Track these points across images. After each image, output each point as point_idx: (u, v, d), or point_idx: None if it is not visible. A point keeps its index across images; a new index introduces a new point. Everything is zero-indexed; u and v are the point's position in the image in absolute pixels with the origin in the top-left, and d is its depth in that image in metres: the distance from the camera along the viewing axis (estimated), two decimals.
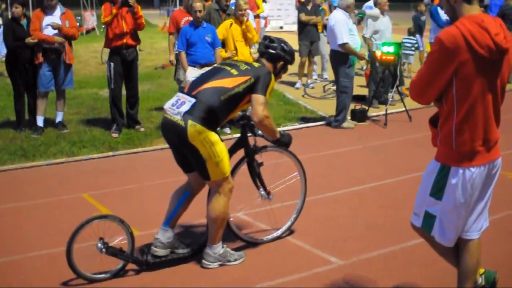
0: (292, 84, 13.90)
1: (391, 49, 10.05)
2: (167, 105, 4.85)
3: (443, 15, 12.38)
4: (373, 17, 10.70)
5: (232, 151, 5.11)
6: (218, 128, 4.82)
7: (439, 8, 12.46)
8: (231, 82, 4.77)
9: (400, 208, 6.21)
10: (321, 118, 10.68)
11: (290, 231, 5.60)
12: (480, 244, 3.88)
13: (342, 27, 9.57)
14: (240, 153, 5.24)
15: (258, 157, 5.30)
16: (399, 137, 9.46)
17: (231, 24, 9.58)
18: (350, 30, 9.72)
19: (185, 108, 4.66)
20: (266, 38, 5.21)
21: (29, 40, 8.97)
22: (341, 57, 9.74)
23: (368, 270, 4.88)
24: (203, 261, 4.95)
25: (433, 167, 3.74)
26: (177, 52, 9.38)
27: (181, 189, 5.08)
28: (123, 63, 9.31)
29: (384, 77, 10.80)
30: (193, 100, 4.68)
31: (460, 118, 3.54)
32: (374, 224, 5.87)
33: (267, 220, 5.72)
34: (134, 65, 9.52)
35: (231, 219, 5.26)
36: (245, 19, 9.63)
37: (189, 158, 4.79)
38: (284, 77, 13.30)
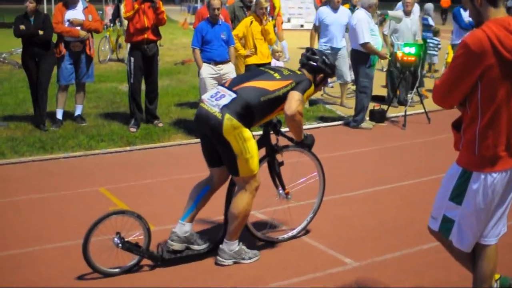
0: None
1: (412, 50, 9.98)
2: (205, 96, 4.89)
3: (465, 17, 12.26)
4: (396, 18, 10.63)
5: None
6: None
7: (461, 10, 12.34)
8: (273, 85, 4.81)
9: (417, 210, 6.17)
10: (340, 118, 10.64)
11: (305, 231, 5.58)
12: (497, 250, 3.84)
13: (364, 26, 9.52)
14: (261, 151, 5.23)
15: (279, 157, 5.30)
16: (417, 139, 9.39)
17: (251, 21, 9.57)
18: (371, 30, 9.66)
19: (224, 101, 4.68)
20: (308, 49, 5.29)
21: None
22: (362, 57, 9.70)
23: (383, 272, 4.85)
24: (218, 257, 4.95)
25: (454, 171, 3.68)
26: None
27: (202, 184, 5.08)
28: (144, 58, 9.33)
29: (405, 77, 10.72)
30: (234, 95, 4.71)
31: (484, 123, 3.50)
32: (390, 225, 5.84)
33: (283, 219, 5.73)
34: (155, 60, 9.53)
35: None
36: (266, 17, 9.62)
37: (220, 152, 4.80)
38: None
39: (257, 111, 4.75)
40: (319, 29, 11.24)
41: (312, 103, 11.57)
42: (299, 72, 5.10)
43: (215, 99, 4.75)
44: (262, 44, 9.66)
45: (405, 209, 6.30)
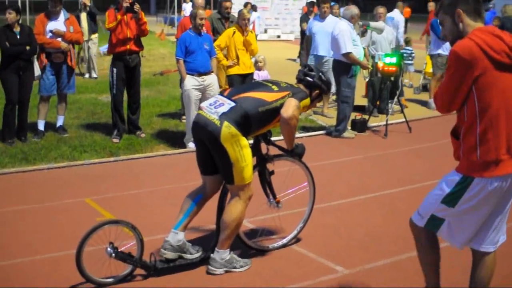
0: None
1: (393, 60, 10.10)
2: (204, 104, 4.96)
3: None
4: (378, 29, 10.76)
5: None
6: None
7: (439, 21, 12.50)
8: (271, 96, 4.92)
9: (402, 219, 6.17)
10: (321, 128, 10.71)
11: (295, 240, 5.61)
12: (495, 258, 3.89)
13: (346, 37, 9.62)
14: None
15: (270, 166, 5.34)
16: (399, 148, 9.49)
17: (234, 32, 9.61)
18: (353, 41, 9.77)
19: (223, 109, 4.75)
20: (305, 66, 5.46)
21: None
22: (344, 67, 9.79)
23: (374, 279, 4.90)
24: (209, 266, 4.96)
25: (452, 178, 3.71)
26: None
27: (195, 192, 5.10)
28: (126, 68, 9.33)
29: (385, 87, 10.84)
30: (233, 104, 4.79)
31: (484, 127, 3.55)
32: (378, 233, 5.89)
33: (273, 228, 5.76)
34: (137, 71, 9.54)
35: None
36: (248, 28, 9.68)
37: (215, 159, 4.84)
38: None
39: (254, 120, 4.82)
40: (309, 39, 11.47)
41: None
42: (296, 85, 5.23)
43: (214, 107, 4.81)
44: (245, 55, 9.70)
45: (390, 217, 6.36)
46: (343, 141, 9.87)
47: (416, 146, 9.51)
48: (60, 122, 9.71)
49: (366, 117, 10.75)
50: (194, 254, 5.05)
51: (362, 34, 10.42)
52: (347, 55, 9.64)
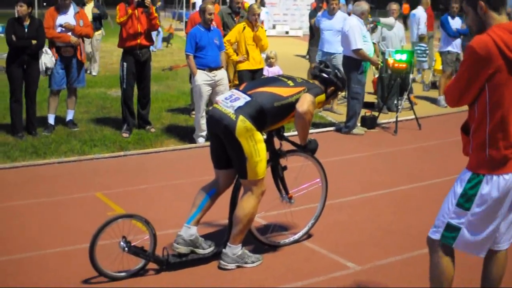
0: None
1: (403, 57, 10.07)
2: (219, 98, 4.97)
3: (453, 25, 12.40)
4: (388, 26, 10.73)
5: None
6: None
7: (449, 18, 12.47)
8: (287, 91, 4.92)
9: (413, 216, 6.23)
10: (331, 124, 10.69)
11: (307, 236, 5.61)
12: (507, 255, 3.87)
13: (356, 33, 9.60)
14: None
15: (283, 161, 5.34)
16: (409, 144, 9.47)
17: (244, 27, 9.60)
18: (364, 37, 9.75)
19: (238, 103, 4.76)
20: (321, 62, 5.43)
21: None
22: (354, 63, 9.77)
23: (385, 275, 4.89)
24: (221, 261, 4.96)
25: (463, 177, 3.68)
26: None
27: (207, 187, 5.09)
28: (136, 63, 9.33)
29: (395, 84, 10.81)
30: (248, 98, 4.80)
31: (494, 125, 3.53)
32: (388, 230, 5.88)
33: (285, 224, 5.77)
34: (147, 65, 9.56)
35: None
36: (259, 23, 9.66)
37: (230, 153, 4.84)
38: None
39: (270, 115, 4.82)
40: (316, 31, 11.49)
41: None
42: (312, 81, 5.22)
43: (230, 101, 4.82)
44: (254, 50, 9.69)
45: (401, 214, 6.35)
46: (353, 137, 9.86)
47: (426, 143, 9.48)
48: (70, 116, 9.73)
49: (376, 113, 10.72)
50: (207, 249, 5.05)
51: (372, 30, 10.39)
52: (357, 51, 9.62)
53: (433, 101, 13.04)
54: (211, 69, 8.83)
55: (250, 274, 4.89)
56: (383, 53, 11.45)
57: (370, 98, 12.32)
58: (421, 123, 10.42)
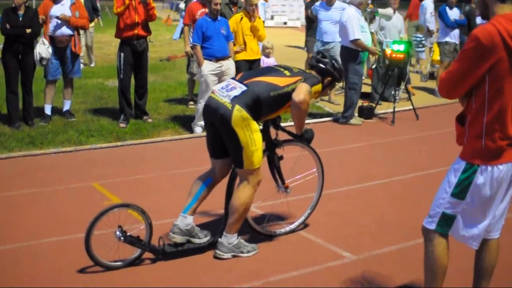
0: None
1: (401, 47, 10.05)
2: (216, 87, 4.99)
3: (451, 15, 12.38)
4: (386, 16, 10.71)
5: None
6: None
7: (447, 8, 12.45)
8: (283, 81, 4.92)
9: (409, 206, 6.23)
10: (328, 114, 10.69)
11: (303, 225, 5.62)
12: (499, 243, 3.89)
13: (354, 23, 9.58)
14: None
15: (279, 151, 5.35)
16: (406, 135, 9.47)
17: (242, 18, 9.57)
18: (362, 27, 9.73)
19: (235, 93, 4.77)
20: (319, 52, 5.45)
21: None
22: (351, 54, 9.76)
23: (381, 265, 4.90)
24: (217, 251, 4.97)
25: (457, 166, 3.69)
26: (191, 45, 9.31)
27: (204, 176, 5.09)
28: (134, 53, 9.31)
29: (392, 74, 10.80)
30: (245, 88, 4.81)
31: (492, 116, 3.52)
32: (385, 220, 5.89)
33: (282, 214, 5.78)
34: (144, 56, 9.53)
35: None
36: (256, 14, 9.63)
37: (226, 143, 4.85)
38: None
39: (266, 105, 4.82)
40: (313, 21, 11.46)
41: None
42: (308, 71, 5.22)
43: (226, 90, 4.83)
44: (252, 41, 9.66)
45: (398, 204, 6.36)
46: (350, 128, 9.85)
47: (423, 134, 9.48)
48: (67, 106, 9.70)
49: (373, 104, 10.71)
50: (203, 238, 5.06)
51: (371, 20, 10.36)
52: (355, 41, 9.60)
53: (431, 91, 13.04)
54: (217, 59, 8.82)
55: (246, 264, 4.90)
56: (380, 43, 11.42)
57: (367, 88, 12.31)
58: (419, 114, 10.42)
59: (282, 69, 5.08)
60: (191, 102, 10.83)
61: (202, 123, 8.95)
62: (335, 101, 11.59)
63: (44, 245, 5.19)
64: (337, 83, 5.48)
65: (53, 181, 6.87)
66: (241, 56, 9.62)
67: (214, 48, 8.80)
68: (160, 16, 33.10)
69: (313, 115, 10.51)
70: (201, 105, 8.90)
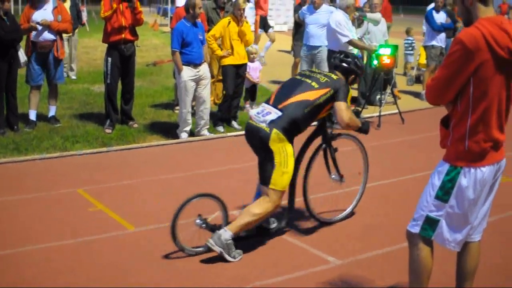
0: None
1: (387, 51, 10.07)
2: (252, 113, 5.27)
3: (437, 19, 12.44)
4: (375, 21, 10.73)
5: (311, 137, 5.71)
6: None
7: (434, 12, 12.51)
8: (313, 95, 5.19)
9: (396, 209, 6.25)
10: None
11: (287, 230, 5.64)
12: (480, 246, 3.90)
13: (343, 26, 9.57)
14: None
15: (334, 144, 5.81)
16: (392, 139, 9.50)
17: (229, 22, 9.55)
18: (349, 31, 9.73)
19: (271, 117, 5.08)
20: (341, 52, 5.77)
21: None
22: None
23: (366, 269, 4.91)
24: (210, 240, 4.99)
25: (440, 169, 3.71)
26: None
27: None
28: (121, 58, 9.27)
29: (378, 78, 10.82)
30: (280, 113, 5.09)
31: (475, 118, 3.54)
32: (371, 224, 5.90)
33: (331, 203, 6.03)
34: (132, 60, 9.50)
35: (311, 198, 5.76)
36: (244, 18, 9.64)
37: (262, 163, 5.16)
38: (278, 77, 13.30)
39: (302, 122, 5.17)
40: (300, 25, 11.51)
41: None
42: (335, 77, 5.41)
43: (262, 115, 5.14)
44: (239, 45, 9.65)
45: (385, 208, 6.37)
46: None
47: (409, 137, 9.52)
48: (52, 112, 9.64)
49: (359, 108, 10.73)
50: (272, 224, 5.46)
51: (359, 25, 10.37)
52: (350, 42, 9.61)
53: (417, 95, 13.08)
54: (196, 65, 8.83)
55: (232, 270, 4.89)
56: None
57: (353, 93, 12.30)
58: (405, 117, 10.44)
59: (309, 81, 5.29)
60: (177, 107, 10.79)
61: (187, 128, 8.97)
62: None
63: (31, 252, 5.15)
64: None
65: (37, 187, 6.82)
66: (228, 61, 9.61)
67: (193, 54, 8.80)
68: (147, 20, 33.02)
69: None
70: (184, 111, 8.90)
